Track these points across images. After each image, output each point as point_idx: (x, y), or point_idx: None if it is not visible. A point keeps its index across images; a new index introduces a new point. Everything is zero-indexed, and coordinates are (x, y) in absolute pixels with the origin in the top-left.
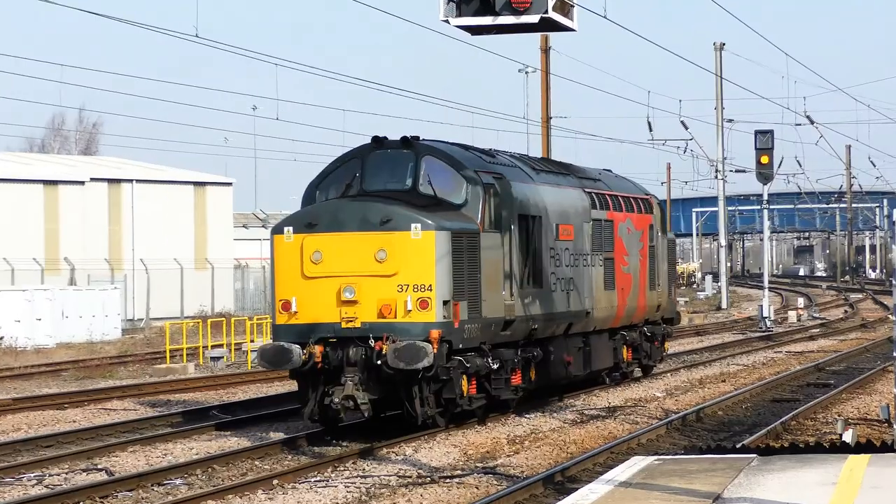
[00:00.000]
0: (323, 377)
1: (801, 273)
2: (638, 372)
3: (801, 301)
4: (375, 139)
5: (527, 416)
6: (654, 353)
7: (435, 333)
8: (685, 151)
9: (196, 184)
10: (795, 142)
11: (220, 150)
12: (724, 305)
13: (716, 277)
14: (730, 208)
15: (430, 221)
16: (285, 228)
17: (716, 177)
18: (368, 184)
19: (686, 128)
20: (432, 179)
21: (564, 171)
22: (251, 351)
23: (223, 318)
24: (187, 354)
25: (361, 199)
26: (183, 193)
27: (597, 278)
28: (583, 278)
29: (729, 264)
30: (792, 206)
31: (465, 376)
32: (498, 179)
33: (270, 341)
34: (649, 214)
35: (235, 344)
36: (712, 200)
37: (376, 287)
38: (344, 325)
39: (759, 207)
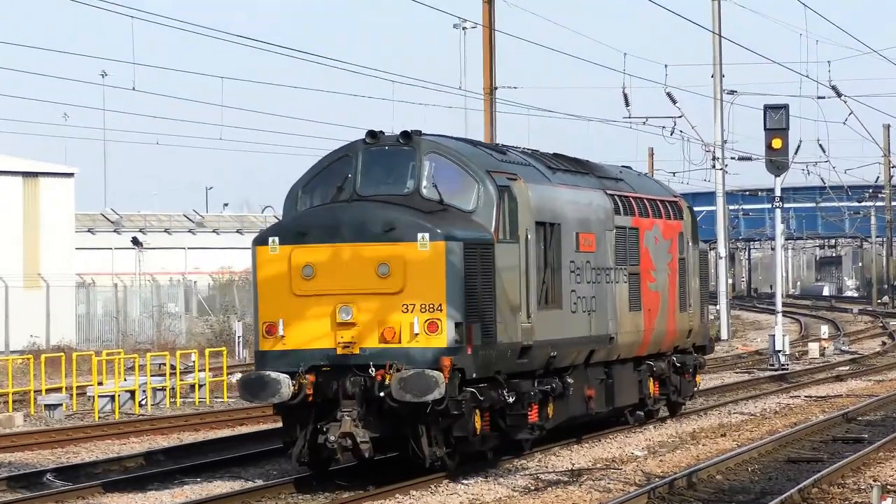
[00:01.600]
0: (314, 412)
1: (826, 293)
2: (664, 411)
3: (825, 329)
4: (370, 133)
5: (465, 481)
6: (684, 387)
7: (446, 361)
8: (673, 133)
9: (25, 174)
10: (817, 120)
11: (58, 130)
12: (723, 335)
13: (713, 298)
14: (731, 207)
15: (439, 230)
16: (270, 239)
17: (713, 166)
18: (363, 186)
19: (674, 102)
20: (438, 181)
21: (582, 169)
22: (98, 396)
23: (62, 354)
24: (13, 401)
25: (359, 204)
26: (7, 187)
27: (621, 297)
28: (605, 297)
29: (731, 281)
30: (813, 205)
31: (477, 411)
32: (512, 181)
33: (253, 370)
34: (678, 220)
35: (78, 388)
36: (708, 197)
37: (378, 307)
38: (340, 351)
39: (769, 206)
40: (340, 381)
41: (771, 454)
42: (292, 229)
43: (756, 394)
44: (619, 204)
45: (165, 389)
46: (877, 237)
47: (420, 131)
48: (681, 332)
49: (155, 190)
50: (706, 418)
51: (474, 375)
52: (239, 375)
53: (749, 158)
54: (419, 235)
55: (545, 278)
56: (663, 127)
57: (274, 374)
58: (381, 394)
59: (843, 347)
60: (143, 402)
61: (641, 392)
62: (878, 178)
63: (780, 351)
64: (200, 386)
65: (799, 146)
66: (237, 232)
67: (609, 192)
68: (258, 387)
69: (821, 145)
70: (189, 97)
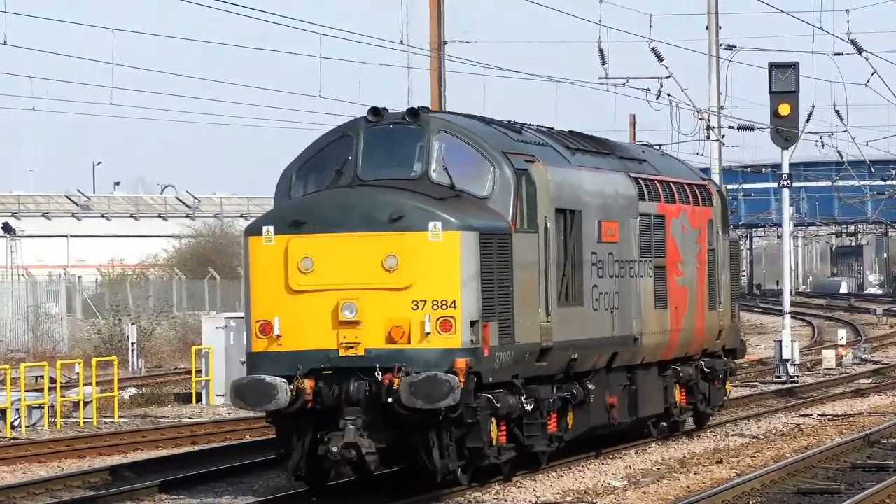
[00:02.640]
0: (314, 420)
1: (844, 290)
2: (690, 423)
3: (842, 334)
4: (373, 111)
5: None
6: (713, 395)
7: (461, 363)
8: (659, 97)
9: None
10: (833, 81)
11: None
12: None
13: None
14: (730, 186)
15: (452, 219)
16: (264, 228)
17: (707, 137)
18: (365, 170)
19: (660, 59)
20: (449, 164)
21: (603, 149)
22: None
23: None
24: None
25: (363, 189)
26: None
27: (646, 293)
28: (629, 293)
29: None
30: (829, 185)
31: (493, 419)
32: (530, 163)
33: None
34: (708, 206)
35: None
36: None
37: (384, 303)
38: (342, 352)
39: (775, 185)
40: (343, 386)
41: (777, 485)
42: (289, 218)
43: (759, 412)
44: (644, 188)
45: (44, 407)
46: None
47: (428, 108)
48: (710, 332)
49: (31, 166)
50: (699, 441)
51: (491, 380)
52: (133, 391)
53: (751, 128)
54: (431, 224)
55: (565, 272)
56: (647, 89)
57: (269, 379)
58: (389, 400)
59: (865, 356)
60: (17, 424)
61: (667, 401)
62: None
63: (788, 360)
64: (86, 403)
65: (811, 113)
66: (131, 217)
67: (633, 174)
68: (252, 393)
69: (837, 112)
70: (73, 53)
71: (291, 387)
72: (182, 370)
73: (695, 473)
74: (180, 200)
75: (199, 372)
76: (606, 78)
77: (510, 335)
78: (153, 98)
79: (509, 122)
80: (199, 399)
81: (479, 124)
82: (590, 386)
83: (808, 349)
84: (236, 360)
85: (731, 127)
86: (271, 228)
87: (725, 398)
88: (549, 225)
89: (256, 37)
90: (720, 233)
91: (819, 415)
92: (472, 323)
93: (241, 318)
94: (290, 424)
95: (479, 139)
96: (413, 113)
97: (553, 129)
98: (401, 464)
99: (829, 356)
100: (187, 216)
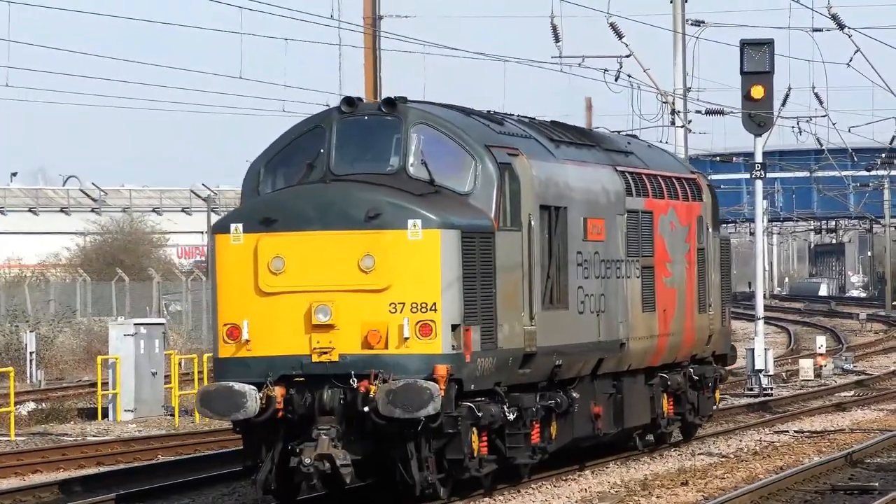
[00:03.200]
0: (284, 430)
1: (823, 292)
2: (677, 434)
3: (821, 342)
4: (347, 101)
5: None
6: (702, 405)
7: (441, 370)
8: (618, 78)
9: None
10: (812, 61)
11: None
12: None
13: None
14: None
15: (433, 216)
16: (232, 226)
17: (672, 122)
18: (339, 164)
19: (620, 36)
20: (427, 157)
21: (588, 140)
22: None
23: None
24: None
25: (338, 185)
26: None
27: (633, 295)
28: (616, 295)
29: None
30: (807, 175)
31: (474, 429)
32: (514, 156)
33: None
34: (697, 202)
35: None
36: None
37: (360, 306)
38: (315, 358)
39: (748, 176)
40: (316, 394)
41: None
42: (258, 215)
43: (729, 428)
44: (631, 183)
45: None
46: (892, 218)
47: (405, 98)
48: (699, 337)
49: None
50: (662, 461)
51: (472, 387)
52: (31, 406)
53: (720, 112)
54: (410, 222)
55: (550, 272)
56: (605, 70)
57: (238, 386)
58: (365, 409)
59: (846, 366)
60: None
61: (654, 410)
62: (893, 138)
63: (761, 371)
64: None
65: (787, 96)
66: (30, 211)
67: (619, 168)
68: (220, 401)
69: (817, 94)
70: None
71: (261, 394)
72: (86, 382)
73: (657, 497)
74: (85, 193)
75: (105, 384)
76: (560, 57)
77: (493, 340)
78: (54, 79)
79: (489, 112)
80: (104, 415)
81: (458, 115)
82: (574, 394)
83: (783, 358)
84: (147, 370)
85: (698, 111)
86: (240, 226)
87: (715, 408)
88: (533, 223)
89: (173, 11)
90: (710, 230)
91: (796, 431)
92: (454, 327)
93: (154, 324)
94: (259, 435)
95: (459, 131)
96: (389, 103)
97: (535, 119)
98: (376, 476)
99: (806, 366)
100: (93, 211)
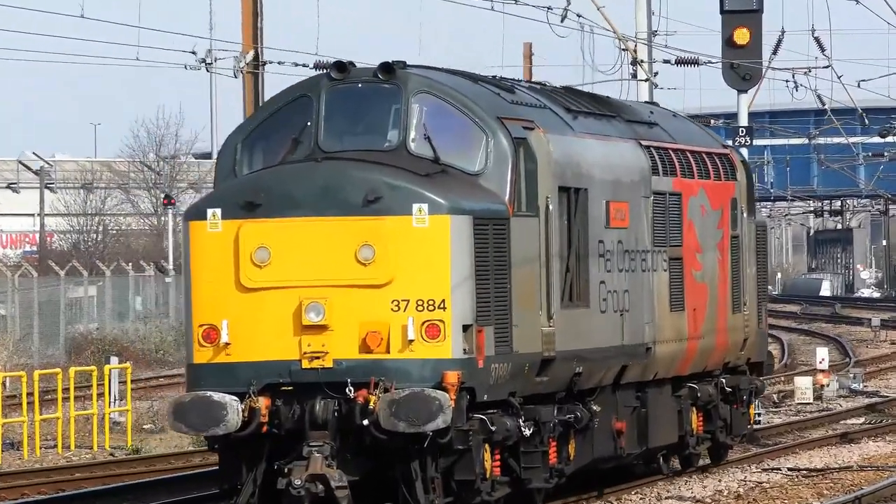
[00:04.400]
0: (269, 447)
1: (826, 291)
2: (705, 456)
3: (823, 354)
4: (337, 66)
5: None
6: (736, 422)
7: (452, 377)
8: (564, 18)
9: None
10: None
11: None
12: None
13: None
14: None
15: (441, 200)
16: (209, 211)
17: (633, 75)
18: (328, 138)
19: None
20: (431, 132)
21: (608, 110)
22: None
23: None
24: None
25: (330, 164)
26: None
27: (660, 291)
28: (641, 291)
29: None
30: (805, 143)
31: (487, 446)
32: (529, 130)
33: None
34: (731, 181)
35: None
36: None
37: (358, 304)
38: (306, 364)
39: (729, 143)
40: (306, 405)
41: None
42: (240, 198)
43: (705, 464)
44: (658, 159)
45: None
46: None
47: (404, 62)
48: (733, 342)
49: None
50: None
51: (486, 397)
52: None
53: (695, 62)
54: (415, 207)
55: (569, 265)
56: (549, 8)
57: (217, 397)
58: (364, 422)
59: (855, 385)
60: None
61: (681, 427)
62: None
63: None
64: None
65: (780, 41)
66: None
67: (643, 142)
68: (196, 414)
69: (817, 39)
70: None
71: (243, 406)
72: None
73: None
74: (25, 165)
75: None
76: None
77: (508, 343)
78: None
79: (495, 77)
80: None
81: (466, 83)
82: (595, 407)
83: (775, 376)
84: None
85: (666, 61)
86: (218, 212)
87: (749, 427)
88: (551, 207)
89: None
90: (745, 215)
91: (790, 469)
92: (465, 328)
93: None
94: (240, 452)
95: (468, 101)
96: (387, 68)
97: (546, 85)
98: (375, 500)
99: (804, 386)
100: None
